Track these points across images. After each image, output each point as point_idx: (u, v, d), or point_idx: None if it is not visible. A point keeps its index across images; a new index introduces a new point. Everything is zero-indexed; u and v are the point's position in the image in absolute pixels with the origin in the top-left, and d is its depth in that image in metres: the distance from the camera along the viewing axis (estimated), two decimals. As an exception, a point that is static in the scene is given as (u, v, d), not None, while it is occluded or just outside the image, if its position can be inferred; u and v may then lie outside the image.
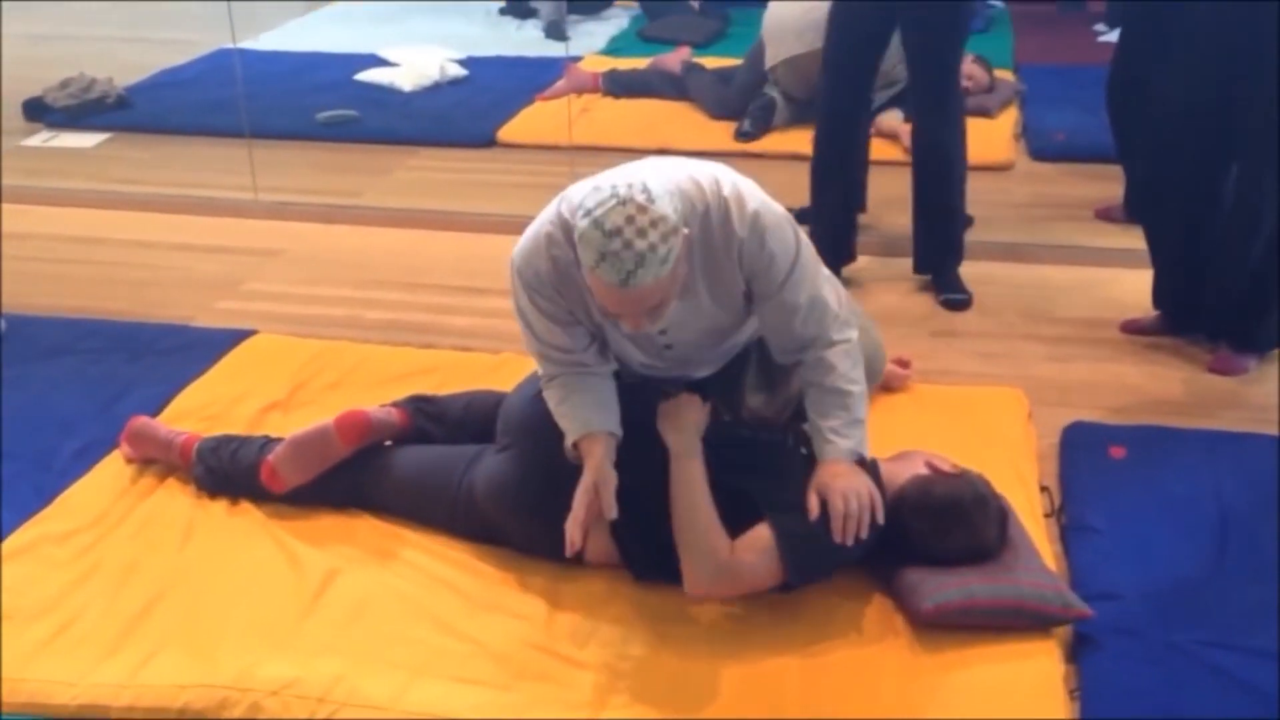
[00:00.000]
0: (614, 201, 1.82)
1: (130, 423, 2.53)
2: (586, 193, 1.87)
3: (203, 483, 2.38)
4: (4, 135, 4.71)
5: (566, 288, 2.02)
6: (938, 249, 3.41)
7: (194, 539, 2.26)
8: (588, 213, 1.84)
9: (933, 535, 2.04)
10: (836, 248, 3.35)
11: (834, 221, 3.41)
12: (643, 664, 1.95)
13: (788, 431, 2.16)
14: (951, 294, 3.38)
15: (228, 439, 2.43)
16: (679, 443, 2.05)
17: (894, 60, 3.55)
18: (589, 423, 2.04)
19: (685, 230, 1.89)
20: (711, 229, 1.99)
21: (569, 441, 2.05)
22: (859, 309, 2.44)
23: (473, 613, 2.06)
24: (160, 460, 2.47)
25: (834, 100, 3.37)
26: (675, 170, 1.98)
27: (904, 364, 2.81)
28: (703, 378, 2.30)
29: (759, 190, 2.03)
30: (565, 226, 1.97)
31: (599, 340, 2.13)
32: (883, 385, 2.71)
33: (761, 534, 1.98)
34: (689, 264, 1.98)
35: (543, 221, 2.03)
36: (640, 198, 1.83)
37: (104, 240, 3.41)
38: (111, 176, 3.29)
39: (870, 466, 2.11)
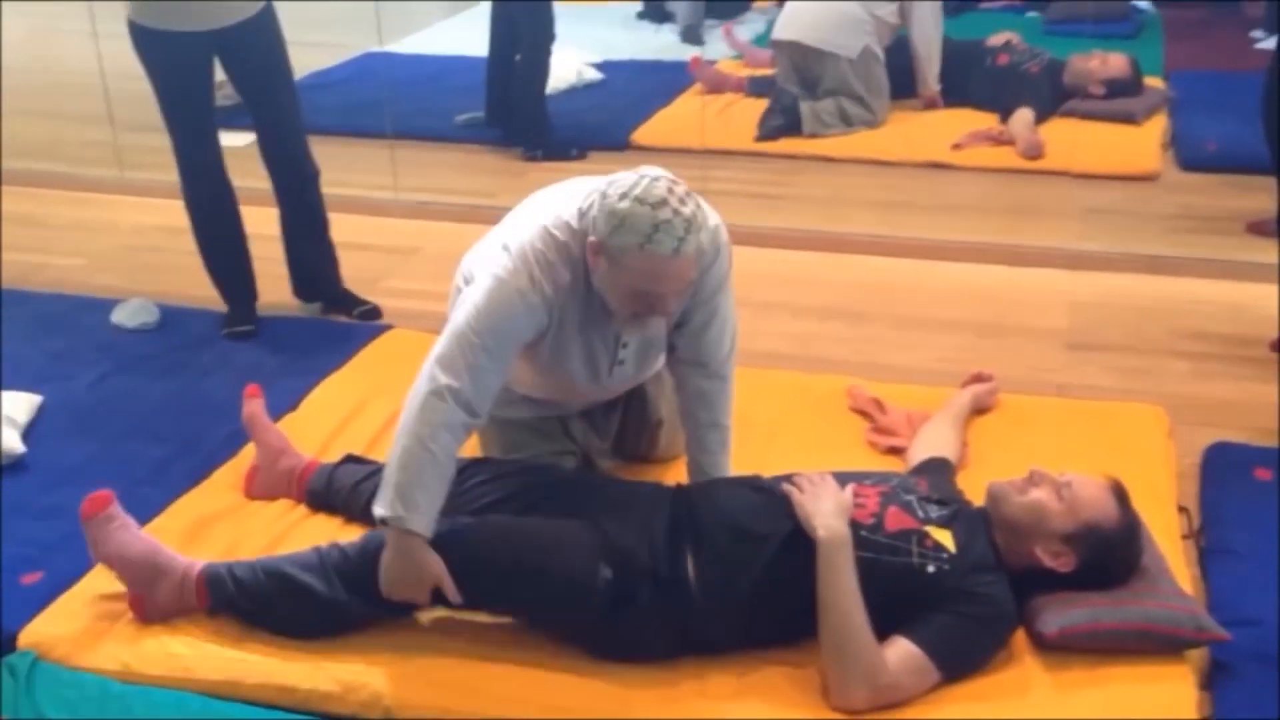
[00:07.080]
0: (647, 180, 1.88)
1: (247, 407, 2.48)
2: (601, 189, 1.93)
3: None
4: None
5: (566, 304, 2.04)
6: None
7: (334, 520, 2.34)
8: (624, 195, 1.87)
9: (1097, 565, 1.95)
10: None
11: None
12: (753, 670, 1.96)
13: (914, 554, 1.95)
14: None
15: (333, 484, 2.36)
16: (829, 529, 1.90)
17: None
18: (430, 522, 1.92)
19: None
20: None
21: (406, 513, 1.89)
22: None
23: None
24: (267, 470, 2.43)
25: None
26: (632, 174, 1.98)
27: (985, 378, 2.70)
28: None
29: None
30: (562, 247, 2.00)
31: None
32: (975, 407, 2.62)
33: (910, 653, 1.87)
34: None
35: (531, 251, 2.04)
36: (667, 175, 1.89)
37: (254, 236, 3.55)
38: (261, 175, 3.43)
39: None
